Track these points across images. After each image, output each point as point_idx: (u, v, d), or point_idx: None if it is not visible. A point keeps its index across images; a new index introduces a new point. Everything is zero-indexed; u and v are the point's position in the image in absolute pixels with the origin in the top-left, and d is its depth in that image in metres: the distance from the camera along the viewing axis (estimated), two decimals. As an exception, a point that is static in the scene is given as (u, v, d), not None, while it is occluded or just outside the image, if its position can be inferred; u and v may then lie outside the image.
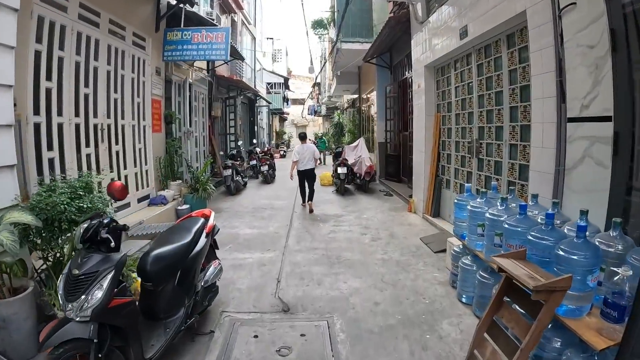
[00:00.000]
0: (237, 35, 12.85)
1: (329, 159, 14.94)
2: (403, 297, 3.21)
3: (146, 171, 5.77)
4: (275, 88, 24.03)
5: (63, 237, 2.63)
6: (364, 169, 8.23)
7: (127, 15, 5.12)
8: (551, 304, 1.91)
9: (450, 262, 3.51)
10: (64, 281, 1.98)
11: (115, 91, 4.94)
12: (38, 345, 2.07)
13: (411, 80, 7.24)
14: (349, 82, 13.37)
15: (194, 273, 2.55)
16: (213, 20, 7.54)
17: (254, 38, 16.05)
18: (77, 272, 1.93)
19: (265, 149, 13.48)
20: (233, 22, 12.42)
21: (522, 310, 2.27)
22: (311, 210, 6.60)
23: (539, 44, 3.01)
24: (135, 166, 5.44)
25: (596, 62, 2.44)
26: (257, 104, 17.36)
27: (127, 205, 5.15)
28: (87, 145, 4.37)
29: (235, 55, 9.38)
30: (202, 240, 2.63)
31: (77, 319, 1.85)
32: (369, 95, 11.99)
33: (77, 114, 4.16)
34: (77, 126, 4.18)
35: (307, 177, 6.78)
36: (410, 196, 6.66)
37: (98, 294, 1.91)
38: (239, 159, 9.97)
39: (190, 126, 7.76)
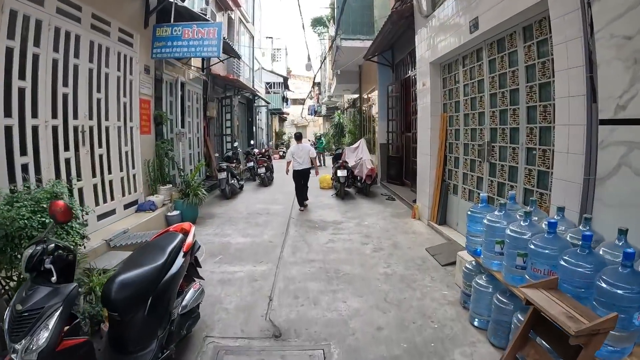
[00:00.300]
0: (235, 34, 12.50)
1: (329, 160, 14.60)
2: (409, 320, 2.86)
3: (134, 175, 5.43)
4: (274, 88, 23.71)
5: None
6: (365, 171, 7.86)
7: (112, 9, 4.79)
8: (591, 349, 1.57)
9: (461, 279, 3.16)
10: (9, 317, 1.65)
11: (99, 91, 4.61)
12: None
13: (414, 78, 6.89)
14: (349, 81, 13.05)
15: (169, 299, 2.20)
16: (206, 15, 7.17)
17: (252, 37, 15.70)
18: (20, 307, 1.61)
19: (263, 150, 13.11)
20: (230, 19, 12.07)
21: (548, 346, 1.93)
22: (303, 208, 6.76)
23: (564, 35, 2.66)
24: (121, 170, 5.10)
25: (635, 56, 2.10)
26: (255, 104, 17.00)
27: (113, 212, 4.82)
28: (67, 149, 4.05)
29: (231, 53, 9.03)
30: (179, 260, 2.29)
31: None
32: (370, 95, 11.64)
33: (54, 116, 3.85)
34: (55, 128, 3.86)
35: (303, 177, 6.78)
36: (414, 201, 6.31)
37: (44, 335, 1.58)
38: (234, 161, 9.63)
39: (182, 127, 7.42)
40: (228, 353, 2.50)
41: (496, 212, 2.51)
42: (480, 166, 4.26)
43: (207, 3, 9.42)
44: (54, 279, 1.66)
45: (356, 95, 14.32)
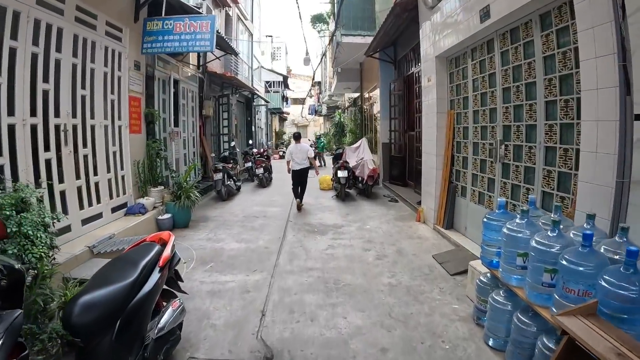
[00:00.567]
0: (232, 31, 12.21)
1: (329, 161, 14.29)
2: (417, 339, 2.56)
3: (122, 177, 5.15)
4: (274, 87, 23.40)
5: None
6: (367, 172, 7.55)
7: (99, 2, 4.50)
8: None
9: (473, 291, 2.86)
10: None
11: (83, 87, 4.33)
12: None
13: (418, 75, 6.59)
14: (350, 79, 12.74)
15: (141, 322, 1.91)
16: (199, 9, 6.88)
17: (251, 35, 15.41)
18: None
19: (262, 150, 12.80)
20: (228, 16, 11.79)
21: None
22: (299, 207, 6.71)
23: (590, 20, 2.36)
24: (108, 172, 4.82)
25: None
26: (254, 103, 16.69)
27: (99, 216, 4.54)
28: (47, 149, 3.78)
29: (227, 49, 8.75)
30: (155, 276, 2.00)
31: None
32: (371, 94, 11.33)
33: (33, 114, 3.57)
34: (34, 127, 3.58)
35: (301, 177, 6.80)
36: (419, 203, 6.00)
37: (-19, 373, 1.30)
38: (232, 161, 9.34)
39: (176, 126, 7.13)
40: (213, 378, 2.22)
41: (517, 220, 2.20)
42: (492, 167, 3.95)
43: (203, -2, 9.13)
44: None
45: (357, 94, 14.00)
